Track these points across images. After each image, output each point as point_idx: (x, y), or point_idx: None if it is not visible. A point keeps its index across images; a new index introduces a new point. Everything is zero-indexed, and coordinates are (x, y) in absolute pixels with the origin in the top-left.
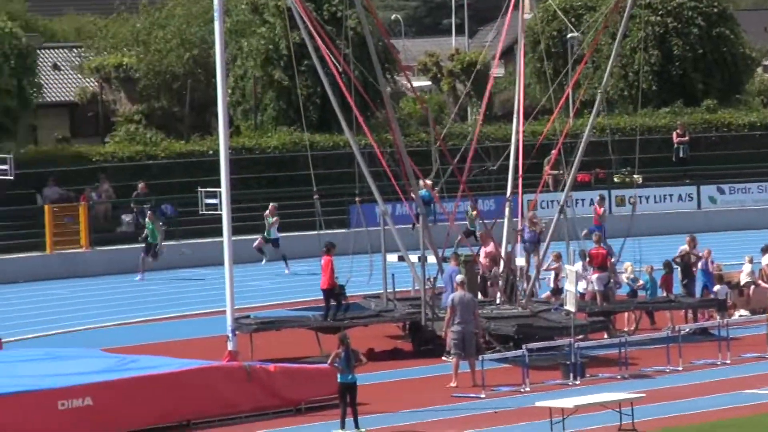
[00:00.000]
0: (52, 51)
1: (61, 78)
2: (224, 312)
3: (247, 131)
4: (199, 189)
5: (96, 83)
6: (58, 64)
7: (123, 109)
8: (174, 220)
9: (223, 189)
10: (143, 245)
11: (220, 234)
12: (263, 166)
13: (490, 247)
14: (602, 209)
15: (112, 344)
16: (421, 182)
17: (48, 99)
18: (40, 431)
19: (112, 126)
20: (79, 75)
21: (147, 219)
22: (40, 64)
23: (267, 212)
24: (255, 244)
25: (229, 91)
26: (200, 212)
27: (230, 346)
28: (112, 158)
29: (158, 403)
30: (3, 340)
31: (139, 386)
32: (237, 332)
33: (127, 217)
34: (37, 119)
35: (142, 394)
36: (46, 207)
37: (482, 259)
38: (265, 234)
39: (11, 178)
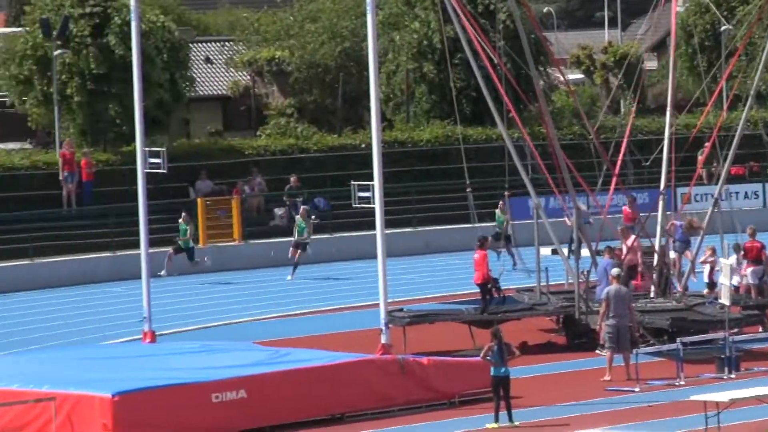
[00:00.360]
0: (204, 45)
1: (214, 72)
2: (377, 305)
3: (400, 125)
4: (352, 182)
5: (248, 77)
6: (211, 57)
7: (275, 102)
8: (327, 213)
9: (376, 182)
10: (174, 247)
11: (373, 227)
12: (415, 160)
13: (630, 241)
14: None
15: (264, 337)
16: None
17: (200, 92)
18: (194, 424)
19: (265, 119)
20: (231, 69)
21: (299, 216)
22: (192, 57)
23: (298, 216)
24: (290, 253)
25: (382, 86)
26: (353, 206)
27: (383, 340)
28: (265, 152)
29: (311, 396)
30: (157, 333)
31: (292, 379)
32: (390, 325)
33: (279, 211)
34: (189, 113)
35: (295, 387)
36: (198, 200)
37: (624, 252)
38: (296, 238)
39: (164, 171)
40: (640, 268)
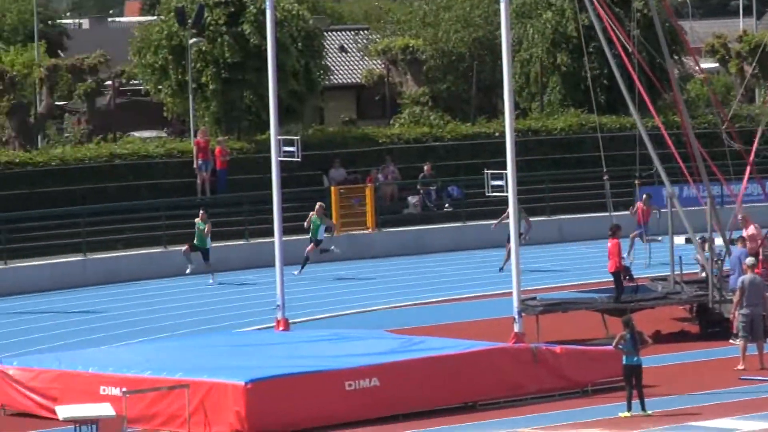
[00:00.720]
0: (338, 33)
1: (348, 60)
2: (510, 294)
3: (534, 113)
4: (485, 171)
5: (382, 65)
6: (345, 46)
7: (409, 90)
8: (460, 201)
9: (509, 171)
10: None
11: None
12: (549, 148)
13: (751, 230)
14: (649, 207)
15: (397, 325)
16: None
17: (335, 81)
18: (327, 411)
19: (398, 108)
20: (365, 57)
21: (313, 213)
22: (327, 46)
23: (313, 213)
24: (307, 249)
25: (516, 75)
26: (486, 194)
27: (516, 328)
28: (398, 140)
29: (444, 385)
30: (290, 321)
31: (425, 367)
32: (523, 314)
33: (413, 199)
34: (323, 101)
35: (428, 375)
36: (332, 188)
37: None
38: (311, 236)
39: (298, 159)
40: (760, 257)
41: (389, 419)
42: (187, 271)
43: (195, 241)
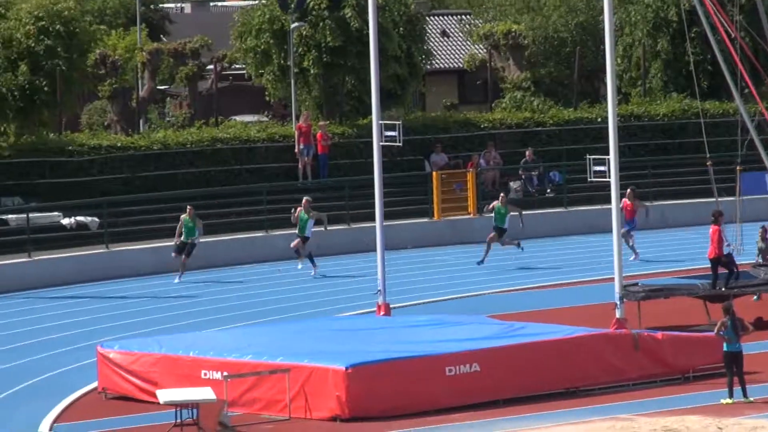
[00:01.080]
0: (440, 18)
1: (450, 45)
2: (612, 279)
3: (636, 99)
4: (588, 156)
5: (484, 50)
6: (447, 30)
7: (511, 75)
8: (561, 187)
9: (612, 156)
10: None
11: (608, 201)
12: (651, 134)
13: None
14: (634, 202)
15: (498, 311)
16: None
17: (436, 66)
18: (428, 396)
19: (500, 93)
20: (467, 42)
21: (300, 208)
22: (429, 30)
23: (300, 208)
24: (293, 244)
25: (618, 60)
26: (588, 179)
27: (618, 314)
28: (500, 125)
29: (545, 370)
30: (391, 306)
31: (526, 353)
32: (625, 300)
33: (515, 184)
34: (425, 86)
35: (529, 360)
36: (434, 173)
37: None
38: (298, 232)
39: (399, 144)
40: None
41: (489, 405)
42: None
43: (182, 238)
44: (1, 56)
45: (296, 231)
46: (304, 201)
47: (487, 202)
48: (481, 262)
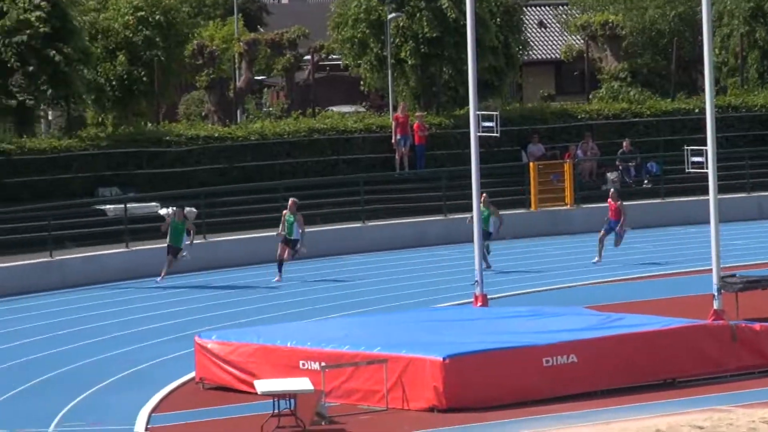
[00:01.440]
0: (537, 8)
1: (547, 35)
2: (709, 271)
3: (733, 89)
4: (685, 147)
5: (582, 41)
6: (544, 21)
7: (608, 66)
8: (659, 178)
9: (709, 147)
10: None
11: (705, 192)
12: (749, 125)
13: None
14: (618, 203)
15: (595, 302)
16: None
17: (533, 56)
18: (525, 388)
19: (597, 83)
20: (564, 32)
21: (287, 210)
22: (526, 21)
23: (286, 211)
24: (279, 252)
25: (715, 50)
26: (686, 170)
27: (716, 305)
28: (597, 116)
29: (643, 361)
30: (489, 297)
31: (623, 344)
32: (722, 291)
33: (612, 175)
34: (522, 76)
35: (626, 351)
36: (531, 164)
37: None
38: (286, 234)
39: (497, 135)
40: None
41: (587, 396)
42: (158, 279)
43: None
44: (99, 47)
45: (284, 234)
46: (290, 202)
47: (585, 193)
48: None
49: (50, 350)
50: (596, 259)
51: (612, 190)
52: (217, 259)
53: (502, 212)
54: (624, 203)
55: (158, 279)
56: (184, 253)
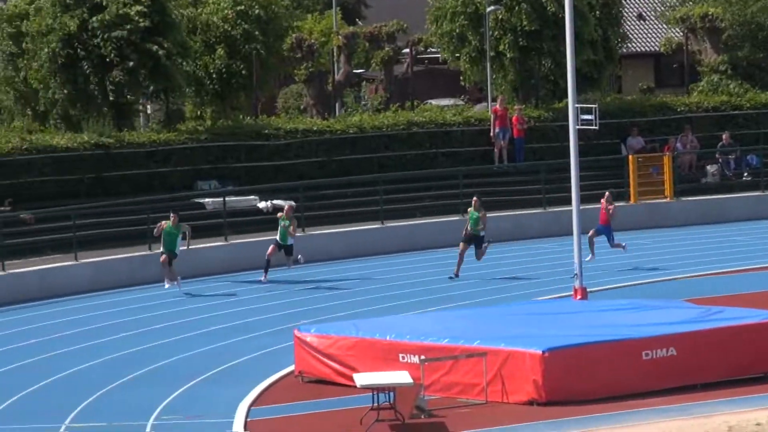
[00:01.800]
0: (636, 1)
1: (646, 28)
2: None
3: None
4: None
5: (681, 33)
6: (643, 14)
7: (708, 59)
8: (759, 170)
9: None
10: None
11: None
12: None
13: None
14: (612, 207)
15: (695, 295)
16: None
17: (632, 49)
18: (624, 381)
19: (697, 76)
20: (664, 25)
21: (282, 213)
22: (625, 14)
23: (282, 214)
24: (268, 251)
25: None
26: None
27: None
28: (697, 108)
29: (742, 355)
30: (589, 290)
31: (723, 337)
32: None
33: (711, 168)
34: (621, 69)
35: (726, 345)
36: (630, 157)
37: None
38: (279, 239)
39: (596, 128)
40: None
41: (686, 389)
42: (166, 285)
43: (279, 240)
44: (198, 41)
45: (278, 238)
46: (287, 206)
47: (684, 186)
48: (456, 275)
49: (149, 344)
50: (589, 257)
51: (607, 193)
52: (317, 252)
53: (598, 205)
54: (616, 206)
55: (166, 285)
56: (299, 257)
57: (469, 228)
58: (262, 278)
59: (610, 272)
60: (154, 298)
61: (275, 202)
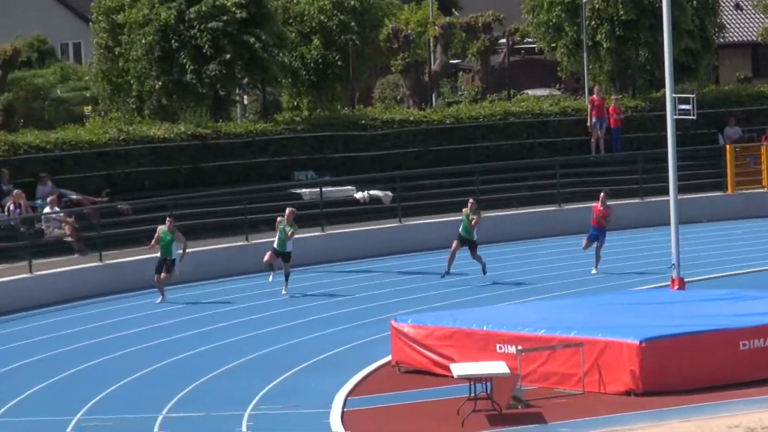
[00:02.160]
0: None
1: (744, 18)
2: None
3: None
4: None
5: None
6: (741, 3)
7: None
8: None
9: None
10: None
11: None
12: None
13: None
14: (608, 210)
15: None
16: None
17: (729, 39)
18: (720, 371)
19: None
20: (761, 14)
21: (283, 218)
22: (722, 4)
23: (281, 219)
24: (265, 258)
25: None
26: None
27: None
28: None
29: None
30: (686, 280)
31: None
32: None
33: None
34: (718, 59)
35: None
36: (727, 147)
37: None
38: (277, 245)
39: (693, 118)
40: None
41: None
42: (270, 279)
43: (276, 246)
44: (294, 31)
45: (275, 245)
46: (287, 211)
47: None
48: (447, 273)
49: (246, 334)
50: (594, 270)
51: (602, 194)
52: (413, 242)
53: (699, 195)
54: (612, 208)
55: (158, 301)
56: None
57: (460, 229)
58: (270, 278)
59: (707, 262)
60: (251, 289)
61: (372, 192)
